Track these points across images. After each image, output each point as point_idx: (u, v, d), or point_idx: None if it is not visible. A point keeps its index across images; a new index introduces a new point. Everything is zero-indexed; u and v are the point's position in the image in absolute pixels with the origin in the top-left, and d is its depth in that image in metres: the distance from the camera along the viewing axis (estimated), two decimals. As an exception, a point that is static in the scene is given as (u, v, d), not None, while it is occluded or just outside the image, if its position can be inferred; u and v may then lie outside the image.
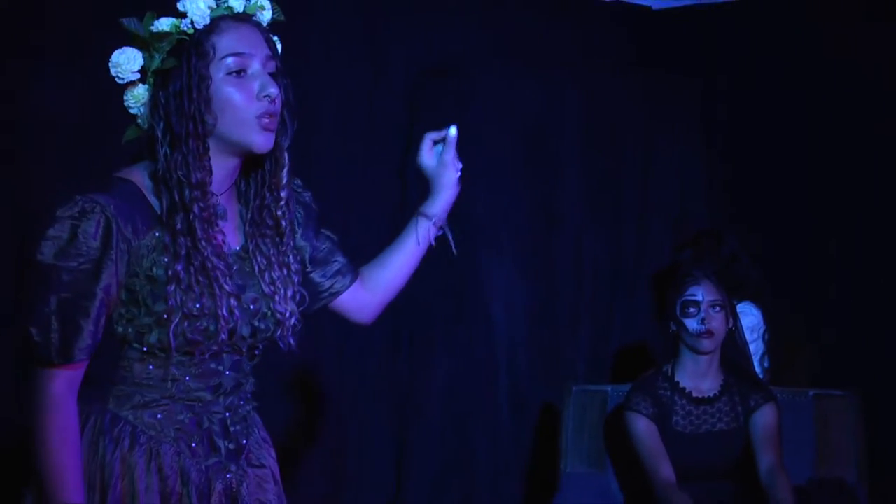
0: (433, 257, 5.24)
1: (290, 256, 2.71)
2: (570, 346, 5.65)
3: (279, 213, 2.66)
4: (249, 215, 2.67)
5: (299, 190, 2.80)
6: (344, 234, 5.11)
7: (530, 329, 5.58)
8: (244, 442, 2.66)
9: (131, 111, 2.61)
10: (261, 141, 2.53)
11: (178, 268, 2.48)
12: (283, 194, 2.66)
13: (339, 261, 2.80)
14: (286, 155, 2.65)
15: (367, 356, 5.34)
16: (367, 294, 2.80)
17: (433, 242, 2.88)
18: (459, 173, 2.89)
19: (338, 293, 2.79)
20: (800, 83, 5.49)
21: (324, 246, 2.77)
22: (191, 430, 2.56)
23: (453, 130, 2.84)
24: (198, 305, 2.49)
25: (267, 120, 2.53)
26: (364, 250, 5.34)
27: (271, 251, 2.67)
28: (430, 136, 2.85)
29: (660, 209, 5.72)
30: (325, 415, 5.24)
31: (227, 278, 2.54)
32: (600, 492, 4.73)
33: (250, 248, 2.64)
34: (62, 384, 2.45)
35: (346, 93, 5.26)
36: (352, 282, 2.79)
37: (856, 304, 5.38)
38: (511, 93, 5.54)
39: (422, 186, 3.06)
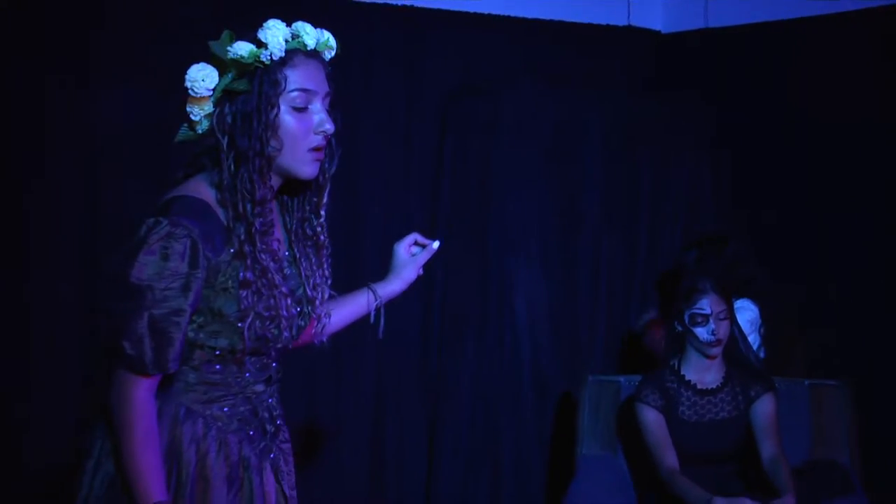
0: (465, 259, 5.36)
1: (326, 265, 2.85)
2: (588, 340, 5.68)
3: (318, 228, 2.82)
4: (294, 226, 2.81)
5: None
6: (380, 249, 5.27)
7: (552, 324, 5.60)
8: (279, 423, 2.80)
9: (192, 117, 2.71)
10: (310, 171, 2.69)
11: (249, 276, 2.62)
12: (322, 212, 2.81)
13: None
14: (329, 182, 2.80)
15: (404, 350, 5.44)
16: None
17: (372, 320, 3.04)
18: (418, 276, 3.12)
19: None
20: (801, 103, 5.46)
21: None
22: (249, 420, 2.72)
23: (436, 244, 3.08)
24: (264, 307, 2.64)
25: (318, 153, 2.68)
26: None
27: (313, 259, 2.82)
28: (416, 236, 3.10)
29: (671, 217, 5.72)
30: (367, 403, 5.39)
31: (284, 282, 2.70)
32: (613, 472, 4.86)
33: (297, 255, 2.78)
34: (148, 391, 2.57)
35: (384, 112, 5.35)
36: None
37: (849, 303, 5.35)
38: (537, 110, 5.55)
39: (384, 265, 3.18)
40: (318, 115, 2.66)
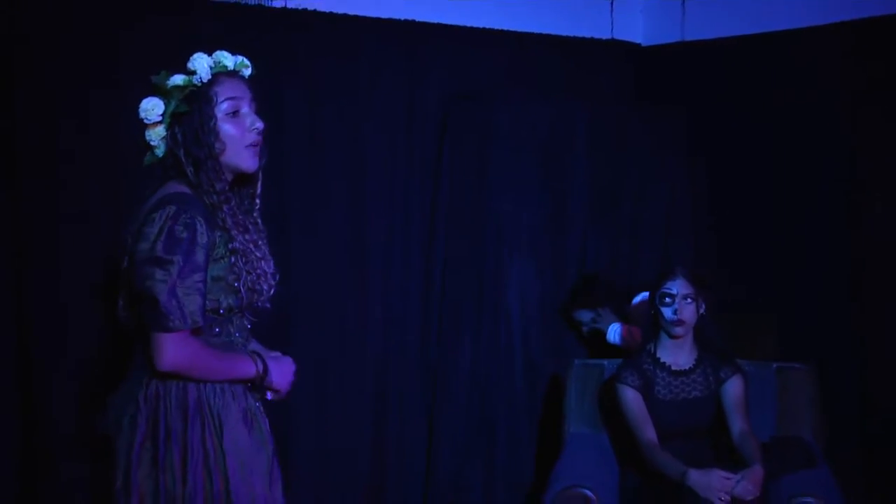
0: (462, 255, 5.50)
1: (264, 242, 3.24)
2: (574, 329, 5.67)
3: (256, 213, 3.24)
4: (241, 209, 3.20)
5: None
6: (383, 245, 5.40)
7: (542, 315, 5.66)
8: None
9: (152, 143, 3.13)
10: (251, 164, 3.16)
11: (236, 245, 3.07)
12: (257, 201, 3.25)
13: None
14: (261, 174, 3.23)
15: (405, 340, 5.56)
16: None
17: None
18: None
19: None
20: (769, 110, 5.53)
21: None
22: None
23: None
24: (250, 268, 3.09)
25: (255, 148, 3.15)
26: (400, 264, 5.49)
27: (262, 234, 3.24)
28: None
29: (651, 217, 5.78)
30: (370, 390, 5.45)
31: (257, 250, 3.15)
32: (598, 448, 4.97)
33: (251, 230, 3.18)
34: (188, 336, 2.98)
35: (388, 117, 5.43)
36: None
37: (813, 294, 5.43)
38: (528, 118, 5.61)
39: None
40: (249, 116, 3.14)
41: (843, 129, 5.34)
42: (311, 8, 5.19)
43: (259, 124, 3.14)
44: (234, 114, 3.13)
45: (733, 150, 5.71)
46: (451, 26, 5.59)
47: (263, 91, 4.60)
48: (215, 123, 3.10)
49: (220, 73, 3.14)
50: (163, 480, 3.00)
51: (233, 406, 3.10)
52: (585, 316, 5.53)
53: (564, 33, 5.91)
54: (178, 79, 3.12)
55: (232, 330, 3.15)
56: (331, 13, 5.22)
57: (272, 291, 3.18)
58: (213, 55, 3.15)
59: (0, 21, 4.55)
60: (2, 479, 4.66)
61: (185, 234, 2.95)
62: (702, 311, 4.67)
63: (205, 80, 3.12)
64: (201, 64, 3.12)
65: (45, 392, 4.71)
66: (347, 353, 5.38)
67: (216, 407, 3.07)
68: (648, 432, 4.59)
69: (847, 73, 5.32)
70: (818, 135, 5.43)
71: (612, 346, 5.47)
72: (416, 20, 5.47)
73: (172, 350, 2.98)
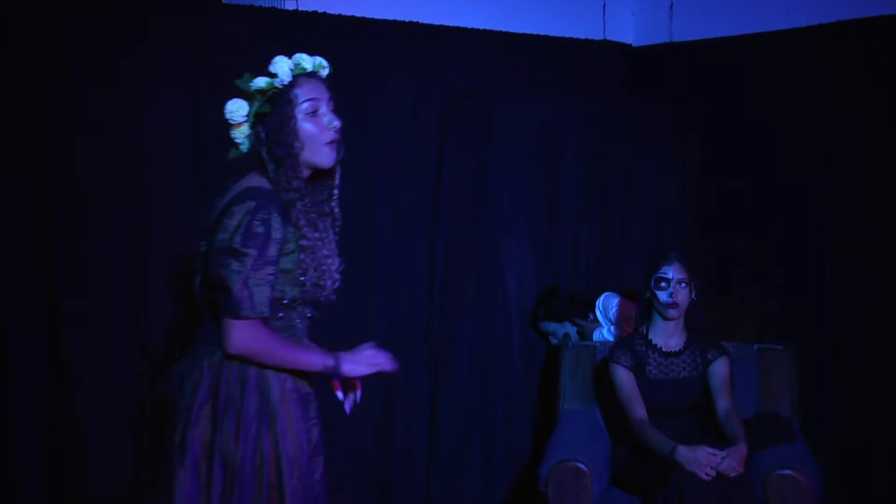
0: (464, 242, 5.61)
1: (334, 234, 3.33)
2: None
3: (333, 204, 3.35)
4: (316, 206, 3.28)
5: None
6: (391, 234, 5.46)
7: (537, 299, 5.69)
8: None
9: (236, 140, 3.24)
10: (329, 160, 3.26)
11: (305, 242, 3.17)
12: (335, 193, 3.34)
13: None
14: (339, 167, 3.32)
15: (410, 320, 5.59)
16: None
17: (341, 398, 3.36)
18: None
19: None
20: (753, 109, 5.58)
21: None
22: None
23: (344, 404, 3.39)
24: (316, 264, 3.19)
25: (332, 145, 3.23)
26: (405, 251, 5.56)
27: (330, 232, 3.33)
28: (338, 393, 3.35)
29: (640, 207, 5.86)
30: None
31: (325, 247, 3.24)
32: (591, 424, 5.08)
33: (321, 228, 3.27)
34: (259, 325, 3.11)
35: (395, 114, 5.49)
36: None
37: (792, 281, 5.48)
38: (525, 114, 5.72)
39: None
40: (326, 115, 3.23)
41: (822, 125, 5.39)
42: (321, 10, 5.26)
43: (336, 122, 3.23)
44: (314, 113, 3.22)
45: (718, 145, 5.75)
46: (453, 28, 5.63)
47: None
48: (295, 123, 3.20)
49: (299, 75, 3.23)
50: (217, 441, 3.13)
51: (289, 386, 3.22)
52: (550, 327, 5.63)
53: (560, 34, 5.96)
54: (260, 82, 3.21)
55: (294, 317, 3.26)
56: (339, 15, 5.29)
57: (336, 286, 3.29)
58: (293, 58, 3.23)
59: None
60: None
61: (261, 229, 3.06)
62: (693, 295, 4.76)
63: (286, 83, 3.21)
64: (282, 67, 3.21)
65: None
66: (355, 333, 4.88)
67: (273, 386, 3.19)
68: (639, 410, 4.68)
69: (826, 73, 5.37)
70: (798, 130, 5.48)
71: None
72: (421, 22, 5.54)
73: (240, 336, 3.11)
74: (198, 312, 3.35)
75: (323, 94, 3.25)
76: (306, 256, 3.17)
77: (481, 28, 5.73)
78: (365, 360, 3.31)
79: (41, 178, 4.70)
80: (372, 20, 5.39)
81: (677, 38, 6.03)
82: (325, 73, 3.32)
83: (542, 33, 5.90)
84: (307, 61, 3.25)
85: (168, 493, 3.15)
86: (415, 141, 5.60)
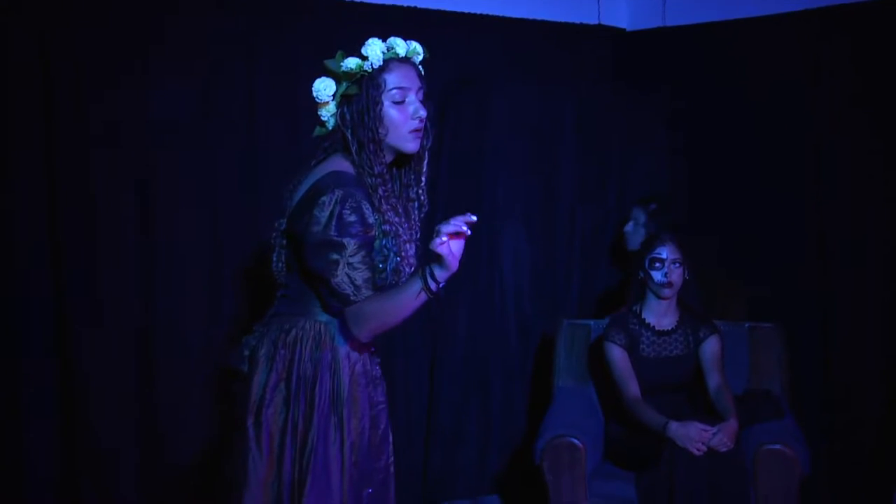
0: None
1: (417, 221, 3.28)
2: (564, 290, 5.90)
3: (420, 190, 3.30)
4: (399, 191, 3.27)
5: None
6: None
7: (533, 278, 5.83)
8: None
9: (322, 118, 3.19)
10: (412, 147, 3.19)
11: (387, 227, 3.10)
12: (423, 178, 3.29)
13: None
14: (427, 153, 3.27)
15: None
16: None
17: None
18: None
19: None
20: (745, 91, 5.59)
21: None
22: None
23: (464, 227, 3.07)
24: (396, 250, 3.13)
25: (416, 133, 3.17)
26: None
27: (413, 217, 3.28)
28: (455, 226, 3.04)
29: (633, 190, 5.85)
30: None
31: (405, 233, 3.18)
32: (585, 401, 5.14)
33: (402, 213, 3.23)
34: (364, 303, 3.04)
35: None
36: None
37: (782, 260, 5.50)
38: (521, 99, 5.75)
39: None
40: (413, 105, 3.16)
41: (811, 107, 5.42)
42: (321, -4, 5.22)
43: (422, 112, 3.16)
44: (401, 102, 3.16)
45: (710, 127, 5.77)
46: (452, 12, 5.62)
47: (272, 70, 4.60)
48: (381, 109, 3.14)
49: (391, 60, 3.17)
50: (291, 419, 3.12)
51: (359, 369, 3.20)
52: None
53: (555, 19, 5.95)
54: (350, 62, 3.15)
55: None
56: (337, 0, 5.30)
57: (411, 271, 3.20)
58: (387, 41, 3.17)
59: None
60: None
61: (353, 217, 3.02)
62: (686, 275, 4.81)
63: (376, 67, 3.14)
64: (374, 50, 3.14)
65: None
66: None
67: (343, 368, 3.16)
68: (633, 387, 4.73)
69: (815, 56, 5.41)
70: (788, 112, 5.50)
71: (599, 307, 5.59)
72: (418, 6, 5.51)
73: (347, 315, 3.09)
74: (272, 288, 3.33)
75: (413, 83, 3.19)
76: (388, 241, 3.12)
77: (477, 13, 5.72)
78: (448, 263, 3.03)
79: (52, 177, 4.71)
80: (369, 5, 5.36)
81: (670, 22, 6.02)
82: (418, 58, 3.25)
83: (537, 18, 5.90)
84: (401, 46, 3.19)
85: (242, 470, 3.15)
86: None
